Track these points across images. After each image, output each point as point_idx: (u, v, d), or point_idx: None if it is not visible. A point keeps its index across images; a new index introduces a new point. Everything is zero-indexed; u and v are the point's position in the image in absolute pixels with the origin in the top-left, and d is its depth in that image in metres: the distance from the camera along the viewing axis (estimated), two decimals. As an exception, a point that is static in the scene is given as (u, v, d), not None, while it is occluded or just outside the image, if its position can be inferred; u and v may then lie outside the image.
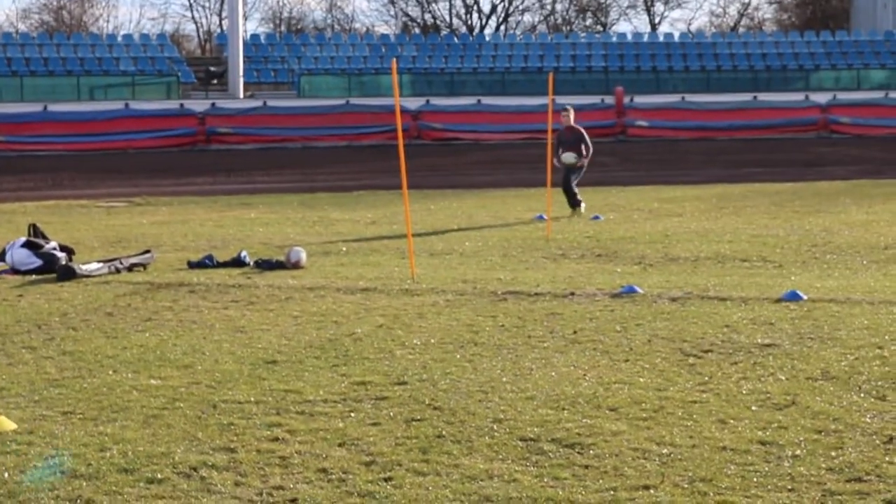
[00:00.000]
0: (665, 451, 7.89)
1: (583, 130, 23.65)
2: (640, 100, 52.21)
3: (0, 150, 45.50)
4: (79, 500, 7.08)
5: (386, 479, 7.41)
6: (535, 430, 8.39)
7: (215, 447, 8.10)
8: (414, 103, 49.69)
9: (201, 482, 7.40)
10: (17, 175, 36.61)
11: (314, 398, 9.36)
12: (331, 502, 7.02)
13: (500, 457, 7.82)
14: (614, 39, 61.60)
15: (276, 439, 8.28)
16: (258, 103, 50.08)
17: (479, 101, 51.76)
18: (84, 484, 7.37)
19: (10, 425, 8.59)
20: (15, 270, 16.37)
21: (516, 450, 7.96)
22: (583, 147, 23.38)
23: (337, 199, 28.25)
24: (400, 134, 16.46)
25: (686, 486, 7.20)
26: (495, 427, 8.49)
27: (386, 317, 12.74)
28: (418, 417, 8.77)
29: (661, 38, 61.75)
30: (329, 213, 24.51)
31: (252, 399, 9.34)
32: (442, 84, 54.19)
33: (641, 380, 9.83)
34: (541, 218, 22.58)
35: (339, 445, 8.13)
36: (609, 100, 51.57)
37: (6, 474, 7.55)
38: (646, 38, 62.14)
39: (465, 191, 30.65)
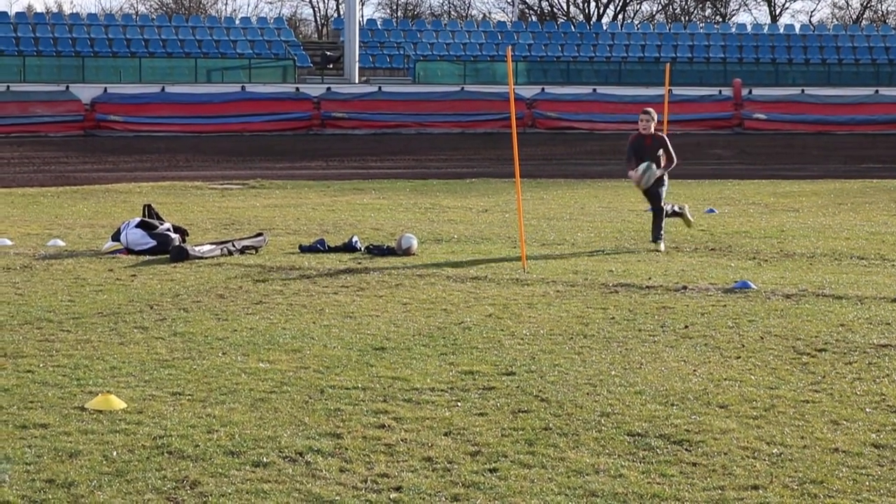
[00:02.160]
0: (775, 450, 7.75)
1: (666, 138, 18.09)
2: (758, 92, 51.54)
3: (117, 130, 46.09)
4: (185, 481, 7.11)
5: (491, 470, 7.35)
6: (644, 425, 8.29)
7: (322, 432, 8.10)
8: (529, 91, 49.53)
9: (307, 467, 7.40)
10: (133, 156, 37.06)
11: (421, 386, 9.33)
12: (435, 491, 6.99)
13: (607, 451, 7.74)
14: (734, 30, 60.83)
15: (383, 426, 8.26)
16: (373, 88, 50.20)
17: (594, 90, 51.44)
18: (191, 465, 7.40)
19: (120, 404, 8.66)
20: (129, 250, 16.54)
21: (623, 445, 7.87)
22: (663, 159, 17.88)
23: (449, 186, 28.24)
24: (514, 122, 16.38)
25: (796, 487, 7.06)
26: (603, 421, 8.40)
27: (495, 306, 12.69)
28: (525, 409, 8.70)
29: (782, 30, 60.86)
30: (441, 200, 24.50)
31: (359, 385, 9.34)
32: (557, 72, 53.87)
33: (753, 377, 9.68)
34: (711, 211, 22.42)
35: (445, 435, 8.09)
36: (727, 91, 51.00)
37: (115, 453, 7.61)
38: (766, 30, 61.31)
39: (578, 181, 30.49)
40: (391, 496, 6.90)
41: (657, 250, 17.34)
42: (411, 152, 39.36)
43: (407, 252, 16.41)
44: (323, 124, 47.99)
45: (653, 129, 17.84)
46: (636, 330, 11.52)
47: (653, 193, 17.75)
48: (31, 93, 46.96)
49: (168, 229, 16.99)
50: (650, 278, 14.50)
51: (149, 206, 17.92)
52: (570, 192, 26.80)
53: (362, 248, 16.81)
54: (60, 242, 17.57)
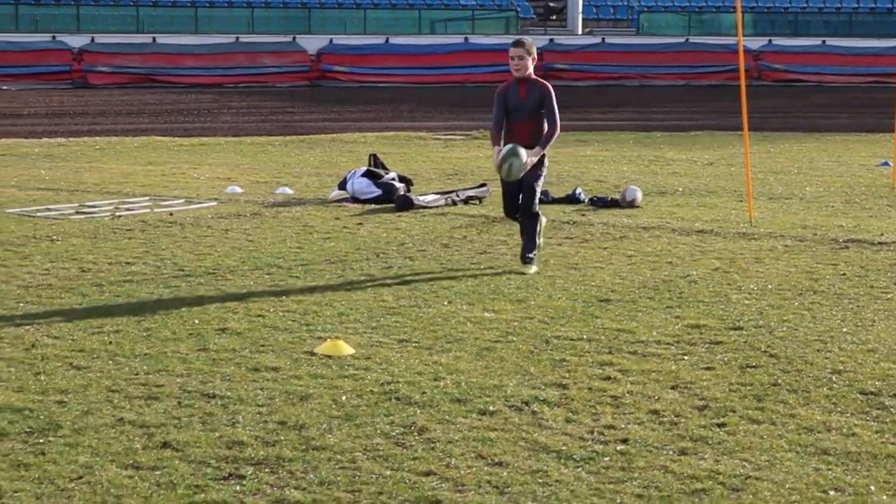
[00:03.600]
0: None
1: (551, 89, 12.29)
2: None
3: (343, 81, 46.74)
4: (413, 427, 7.18)
5: (719, 425, 7.26)
6: (877, 384, 8.08)
7: (547, 382, 8.09)
8: (755, 43, 48.67)
9: (532, 417, 7.41)
10: (358, 106, 37.54)
11: (647, 339, 9.25)
12: (662, 444, 6.92)
13: (839, 409, 7.56)
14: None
15: (608, 378, 8.22)
16: (596, 40, 49.92)
17: (823, 41, 50.29)
18: (418, 411, 7.47)
19: (349, 350, 8.79)
20: (355, 199, 16.76)
21: (856, 403, 7.68)
22: (543, 121, 12.14)
23: (673, 138, 27.93)
24: (742, 74, 16.09)
25: None
26: (834, 378, 8.21)
27: (722, 260, 12.51)
28: (753, 364, 8.56)
29: None
30: (665, 153, 24.25)
31: (584, 337, 9.30)
32: (785, 24, 52.79)
33: None
34: (886, 164, 21.79)
35: (672, 388, 8.02)
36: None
37: (344, 397, 7.73)
38: None
39: (807, 134, 29.84)
40: (617, 448, 6.86)
41: (524, 273, 11.71)
42: (634, 104, 39.03)
43: (631, 204, 16.28)
44: (546, 75, 47.92)
45: (531, 71, 12.16)
46: (868, 287, 11.23)
47: (526, 186, 11.97)
48: (260, 44, 47.92)
49: (393, 179, 17.16)
50: (882, 234, 14.12)
51: (374, 155, 18.12)
52: (798, 146, 26.24)
53: (586, 200, 16.74)
54: (289, 190, 17.90)
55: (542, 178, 12.17)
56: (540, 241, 12.27)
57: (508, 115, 12.16)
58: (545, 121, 12.14)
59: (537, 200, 12.11)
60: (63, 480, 6.33)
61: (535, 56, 12.50)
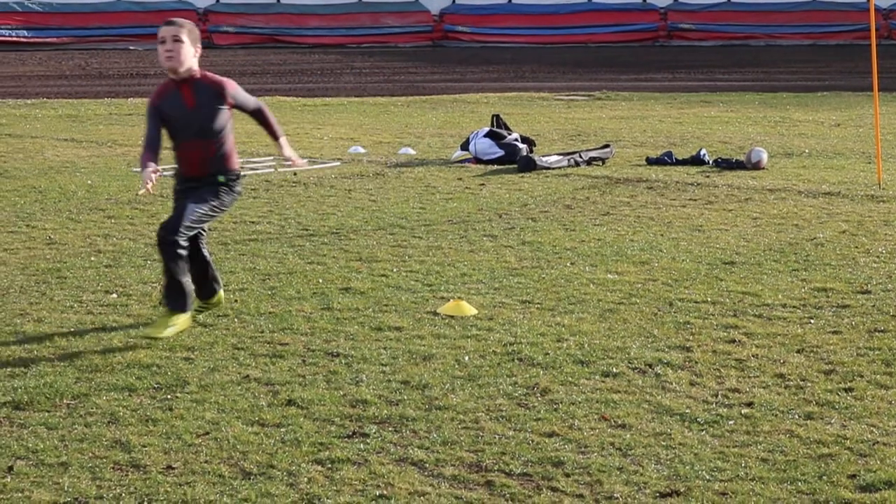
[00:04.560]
0: None
1: (235, 87, 8.40)
2: None
3: (465, 41, 46.66)
4: (535, 388, 7.18)
5: (846, 390, 7.16)
6: None
7: (671, 345, 8.04)
8: (885, 1, 47.71)
9: (656, 379, 7.37)
10: (480, 66, 37.46)
11: (772, 302, 9.14)
12: (788, 409, 6.85)
13: (970, 376, 7.42)
14: None
15: (733, 341, 8.15)
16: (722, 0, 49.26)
17: (955, 0, 49.11)
18: (541, 372, 7.47)
19: (471, 310, 8.80)
20: (477, 160, 16.74)
21: None
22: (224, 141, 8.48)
23: (799, 99, 27.51)
24: (873, 33, 15.78)
25: None
26: (965, 344, 8.06)
27: (849, 223, 12.31)
28: (882, 328, 8.43)
29: None
30: (791, 114, 23.89)
31: (708, 299, 9.22)
32: (916, -18, 51.66)
33: None
34: None
35: (798, 352, 7.92)
36: None
37: (466, 358, 7.74)
38: None
39: (937, 94, 29.21)
40: (742, 411, 6.80)
41: (156, 338, 8.09)
42: (760, 64, 38.47)
43: (756, 166, 16.08)
44: (669, 35, 47.40)
45: (192, 64, 8.22)
46: None
47: (185, 204, 8.31)
48: (383, 3, 47.99)
49: (516, 139, 17.11)
50: None
51: (497, 116, 18.08)
52: (928, 107, 25.71)
53: (710, 162, 16.56)
54: (411, 151, 17.94)
55: (215, 208, 8.35)
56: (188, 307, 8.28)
57: (172, 135, 8.34)
58: (227, 141, 8.45)
59: (185, 226, 8.14)
60: (190, 436, 6.43)
61: (199, 45, 8.33)
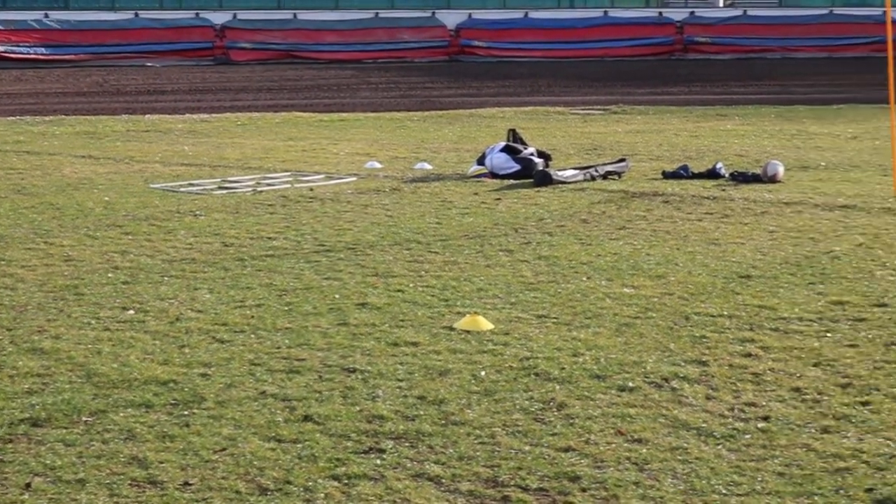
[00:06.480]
0: None
1: None
2: None
3: (482, 55, 46.74)
4: (552, 403, 7.18)
5: (863, 403, 7.15)
6: None
7: (687, 359, 8.04)
8: (901, 14, 47.65)
9: (672, 393, 7.37)
10: (496, 80, 37.51)
11: (789, 316, 9.14)
12: (805, 422, 6.84)
13: None
14: None
15: (749, 355, 8.14)
16: (738, 12, 49.28)
17: (972, 12, 49.05)
18: (557, 387, 7.47)
19: (488, 325, 8.81)
20: (493, 174, 16.76)
21: None
22: None
23: (816, 112, 27.49)
24: (890, 45, 15.77)
25: None
26: (982, 357, 8.04)
27: (866, 235, 12.29)
28: (899, 342, 8.42)
29: None
30: (807, 127, 23.88)
31: (725, 313, 9.22)
32: (932, -6, 51.63)
33: None
34: None
35: (814, 365, 7.91)
36: None
37: (483, 373, 7.75)
38: None
39: (954, 107, 29.14)
40: (759, 425, 6.80)
41: None
42: (776, 77, 38.47)
43: (773, 179, 16.07)
44: (685, 49, 47.48)
45: None
46: None
47: None
48: (399, 19, 48.11)
49: (532, 154, 17.12)
50: None
51: (513, 130, 18.10)
52: (945, 119, 25.66)
53: (727, 175, 16.55)
54: (427, 166, 17.96)
55: None
56: None
57: None
58: None
59: None
60: (207, 452, 6.44)
61: None
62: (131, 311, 9.37)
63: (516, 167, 16.73)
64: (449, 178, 16.68)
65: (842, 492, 5.91)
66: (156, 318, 9.16)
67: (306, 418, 6.94)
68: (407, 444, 6.55)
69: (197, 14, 47.65)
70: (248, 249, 11.80)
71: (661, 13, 49.07)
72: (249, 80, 36.84)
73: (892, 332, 8.65)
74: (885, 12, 15.91)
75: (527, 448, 6.49)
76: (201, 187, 15.91)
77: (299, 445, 6.53)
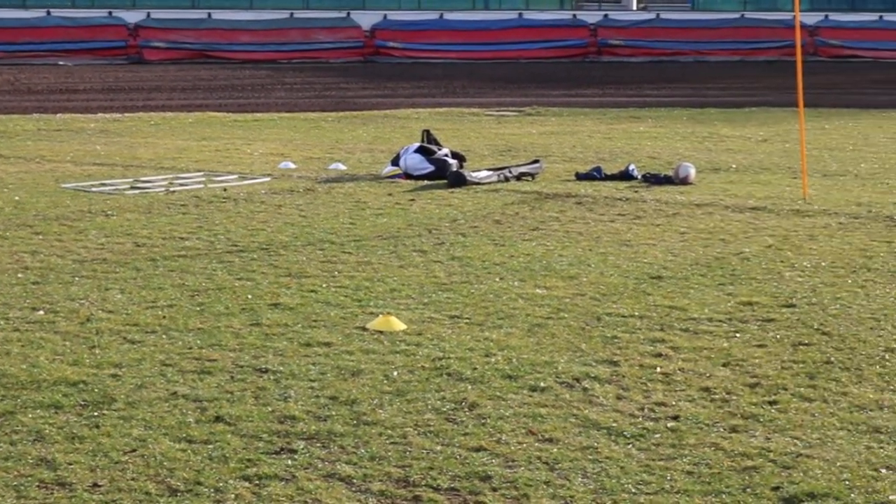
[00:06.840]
0: None
1: None
2: None
3: (396, 56, 46.73)
4: (464, 403, 7.21)
5: (770, 403, 7.25)
6: (931, 362, 8.03)
7: (598, 359, 8.10)
8: (811, 18, 48.26)
9: (583, 393, 7.42)
10: (411, 81, 37.52)
11: (699, 316, 9.23)
12: (713, 422, 6.92)
13: (892, 387, 7.53)
14: None
15: (660, 355, 8.22)
16: (651, 16, 49.69)
17: (880, 17, 49.81)
18: (469, 387, 7.50)
19: (400, 326, 8.82)
20: (408, 175, 16.77)
21: (909, 382, 7.64)
22: None
23: (727, 114, 27.76)
24: (799, 50, 15.98)
25: None
26: (887, 356, 8.18)
27: (775, 237, 12.45)
28: (806, 342, 8.53)
29: None
30: (719, 130, 24.12)
31: (636, 313, 9.30)
32: (842, -1, 52.30)
33: None
34: None
35: (724, 365, 8.00)
36: None
37: (395, 373, 7.76)
38: None
39: (862, 110, 29.58)
40: (668, 425, 6.87)
41: None
42: (689, 80, 38.80)
43: (684, 181, 16.22)
44: (599, 52, 47.75)
45: None
46: (923, 265, 11.15)
47: None
48: (314, 19, 47.99)
49: (446, 155, 17.15)
50: (938, 212, 14.00)
51: (427, 131, 18.12)
52: (853, 123, 26.02)
53: (639, 177, 16.68)
54: (341, 166, 17.94)
55: None
56: None
57: None
58: None
59: None
60: (117, 453, 6.40)
61: None
62: (41, 312, 9.28)
63: (430, 168, 16.75)
64: (363, 179, 16.67)
65: (749, 490, 5.99)
66: (66, 319, 9.08)
67: (217, 419, 6.91)
68: (318, 445, 6.55)
69: (110, 13, 47.23)
70: (160, 250, 11.72)
71: (575, 16, 49.33)
72: (163, 80, 36.56)
73: (799, 333, 8.76)
74: (794, 17, 16.10)
75: (438, 448, 6.51)
76: (113, 187, 15.78)
77: (210, 446, 6.51)
